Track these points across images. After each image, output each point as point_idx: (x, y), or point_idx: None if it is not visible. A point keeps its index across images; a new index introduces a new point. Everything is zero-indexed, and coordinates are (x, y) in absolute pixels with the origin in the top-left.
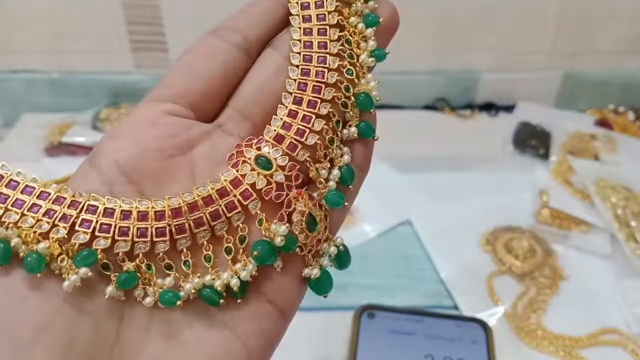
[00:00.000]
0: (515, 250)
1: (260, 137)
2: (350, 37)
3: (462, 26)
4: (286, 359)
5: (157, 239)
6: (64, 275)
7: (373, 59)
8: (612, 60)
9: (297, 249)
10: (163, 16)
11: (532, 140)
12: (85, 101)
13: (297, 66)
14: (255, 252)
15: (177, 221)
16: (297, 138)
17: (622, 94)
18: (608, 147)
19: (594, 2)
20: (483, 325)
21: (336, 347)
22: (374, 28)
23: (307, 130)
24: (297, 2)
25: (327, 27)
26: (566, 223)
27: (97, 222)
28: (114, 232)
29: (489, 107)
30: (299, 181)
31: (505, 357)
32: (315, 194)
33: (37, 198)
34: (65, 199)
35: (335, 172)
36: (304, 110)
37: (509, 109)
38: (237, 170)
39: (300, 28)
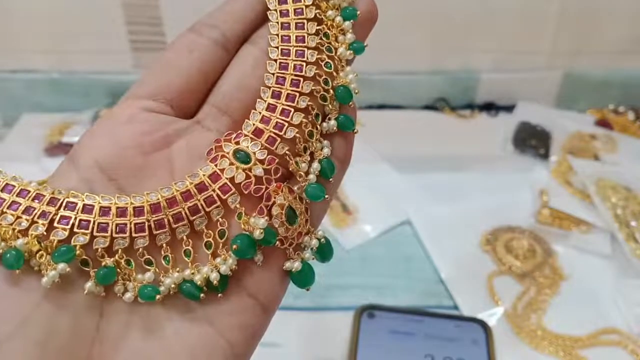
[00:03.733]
0: (515, 250)
1: (239, 131)
2: (328, 31)
3: (462, 26)
4: (286, 359)
5: (136, 235)
6: (42, 272)
7: (351, 52)
8: (612, 60)
9: (278, 242)
10: (163, 16)
11: (532, 140)
12: (85, 101)
13: (275, 60)
14: (234, 246)
15: (156, 216)
16: (276, 132)
17: (622, 94)
18: (608, 147)
19: (594, 2)
20: (483, 325)
21: (336, 347)
22: (351, 21)
23: (286, 124)
24: None
25: (305, 21)
26: (566, 223)
27: (76, 218)
28: (93, 228)
29: (489, 107)
30: (279, 175)
31: (505, 357)
32: (295, 187)
33: (16, 196)
34: (44, 196)
35: (315, 165)
36: (282, 104)
37: (509, 109)
38: (216, 165)
39: (277, 23)
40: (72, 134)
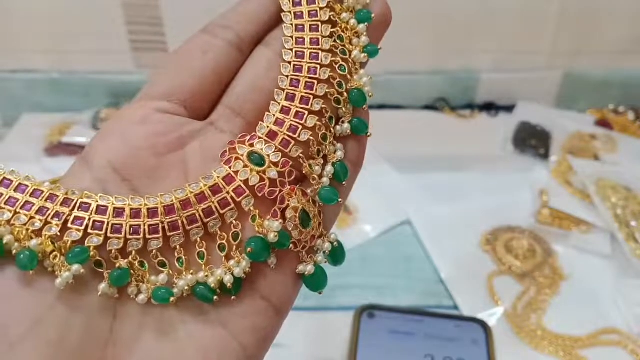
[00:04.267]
0: (515, 250)
1: (253, 133)
2: (343, 33)
3: (462, 26)
4: (286, 359)
5: (150, 236)
6: (56, 273)
7: (365, 54)
8: (612, 60)
9: (291, 245)
10: (163, 16)
11: (532, 140)
12: (85, 101)
13: (290, 62)
14: (248, 249)
15: (170, 218)
16: (290, 134)
17: (622, 94)
18: (608, 147)
19: (594, 2)
20: (483, 325)
21: (336, 347)
22: (366, 24)
23: (300, 127)
24: None
25: (319, 24)
26: (566, 223)
27: (89, 219)
28: (107, 229)
29: (489, 107)
30: (292, 177)
31: (505, 357)
32: (308, 191)
33: (30, 196)
34: (58, 196)
35: (329, 168)
36: (296, 107)
37: (509, 109)
38: (230, 167)
39: (292, 25)
40: (72, 134)
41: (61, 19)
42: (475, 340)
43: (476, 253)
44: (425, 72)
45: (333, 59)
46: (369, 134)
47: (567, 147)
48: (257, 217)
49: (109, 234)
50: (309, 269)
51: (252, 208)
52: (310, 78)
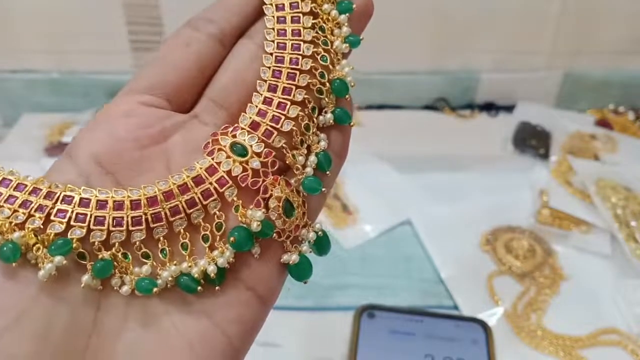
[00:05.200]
0: (515, 250)
1: (236, 125)
2: (324, 24)
3: (462, 26)
4: (286, 359)
5: (133, 228)
6: (39, 265)
7: (347, 45)
8: (612, 60)
9: (275, 235)
10: (163, 16)
11: (532, 140)
12: (85, 101)
13: (271, 54)
14: (231, 238)
15: (153, 210)
16: (273, 125)
17: (622, 94)
18: (608, 147)
19: (594, 2)
20: (483, 325)
21: (336, 347)
22: (347, 14)
23: (283, 117)
24: None
25: (301, 15)
26: (566, 223)
27: (72, 212)
28: (90, 221)
29: (489, 107)
30: (276, 168)
31: (505, 357)
32: (292, 180)
33: (13, 190)
34: (41, 190)
35: (312, 158)
36: (279, 98)
37: (509, 109)
38: (213, 158)
39: (273, 16)
40: (72, 134)
41: (61, 19)
42: (475, 340)
43: (476, 253)
44: (425, 72)
45: (315, 49)
46: (352, 123)
47: (567, 147)
48: (240, 207)
49: (91, 226)
50: (293, 258)
51: (235, 198)
52: (292, 69)
